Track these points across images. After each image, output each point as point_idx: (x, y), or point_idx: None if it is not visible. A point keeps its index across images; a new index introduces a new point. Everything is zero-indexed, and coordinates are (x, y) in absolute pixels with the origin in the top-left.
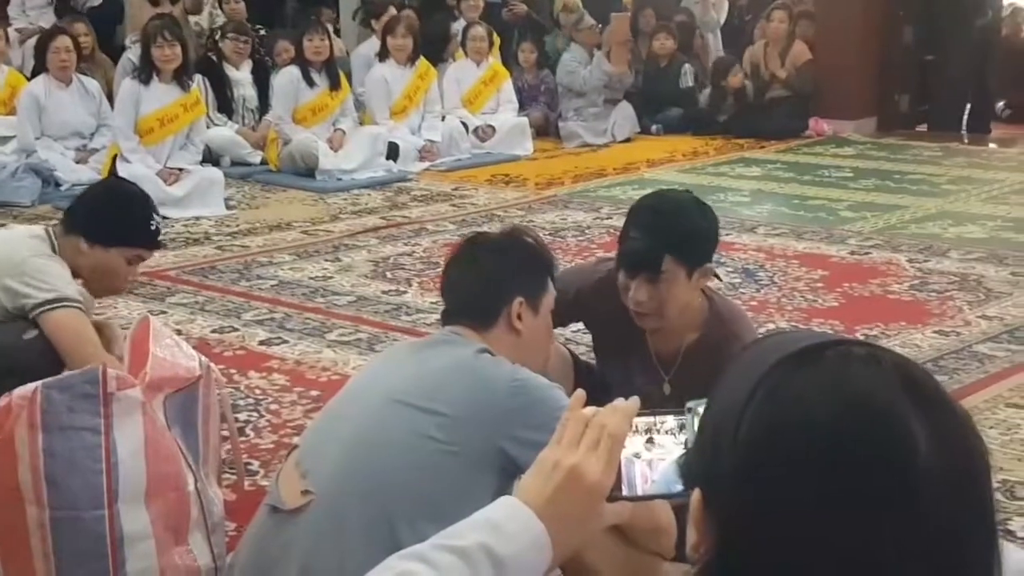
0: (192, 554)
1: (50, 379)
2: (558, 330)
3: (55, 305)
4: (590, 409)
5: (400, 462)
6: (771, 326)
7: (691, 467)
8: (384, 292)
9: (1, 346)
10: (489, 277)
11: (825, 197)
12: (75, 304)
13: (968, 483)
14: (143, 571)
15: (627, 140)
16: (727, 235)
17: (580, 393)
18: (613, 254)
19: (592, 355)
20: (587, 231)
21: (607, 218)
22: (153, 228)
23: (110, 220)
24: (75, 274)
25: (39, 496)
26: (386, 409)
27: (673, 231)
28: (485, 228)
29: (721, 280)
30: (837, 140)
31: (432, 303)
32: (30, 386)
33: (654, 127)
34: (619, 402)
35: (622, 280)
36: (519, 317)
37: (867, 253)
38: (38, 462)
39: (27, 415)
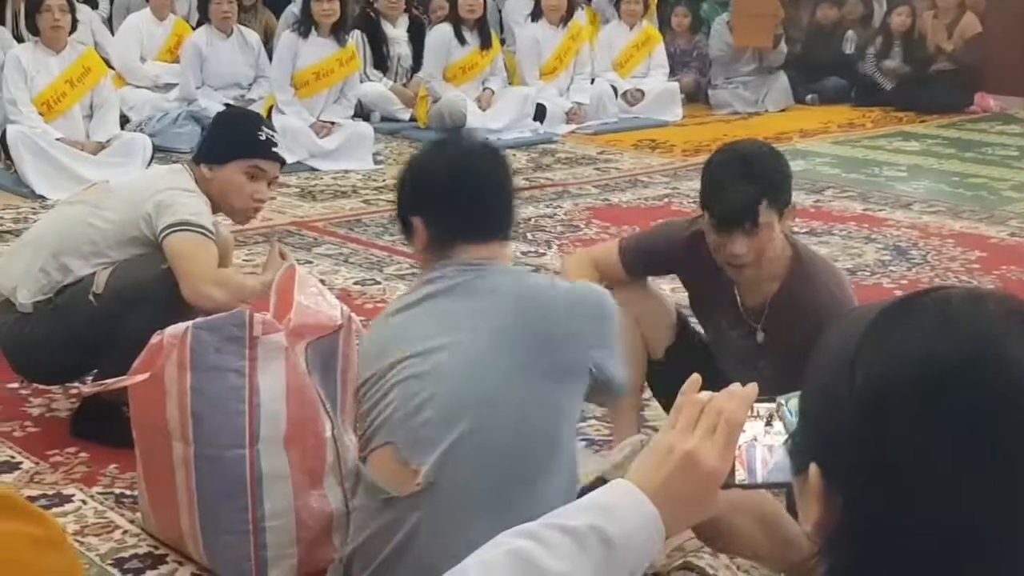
0: (326, 498)
1: (200, 320)
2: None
3: (175, 229)
4: (705, 394)
5: (524, 426)
6: None
7: (801, 447)
8: (524, 253)
9: (140, 276)
10: (504, 187)
11: (987, 176)
12: (196, 229)
13: None
14: (280, 511)
15: (781, 111)
16: (880, 211)
17: (695, 377)
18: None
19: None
20: None
21: None
22: (263, 138)
23: (220, 138)
24: (215, 208)
25: (184, 433)
26: (514, 381)
27: (764, 176)
28: (628, 193)
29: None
30: (1004, 117)
31: None
32: (181, 326)
33: (809, 96)
34: (736, 387)
35: (715, 239)
36: None
37: None
38: (185, 400)
39: (177, 354)
